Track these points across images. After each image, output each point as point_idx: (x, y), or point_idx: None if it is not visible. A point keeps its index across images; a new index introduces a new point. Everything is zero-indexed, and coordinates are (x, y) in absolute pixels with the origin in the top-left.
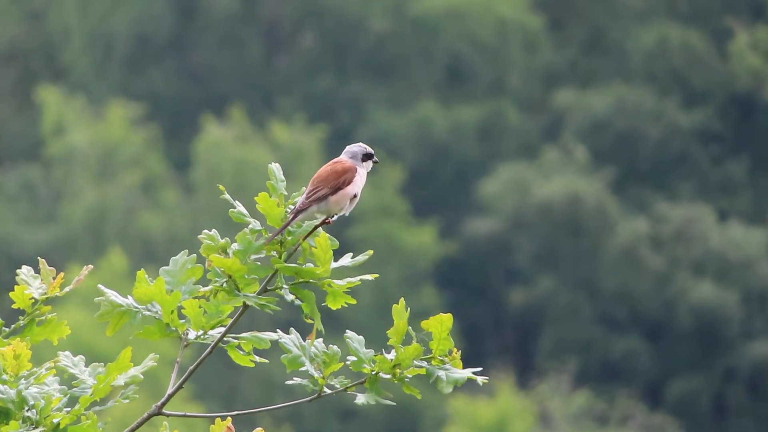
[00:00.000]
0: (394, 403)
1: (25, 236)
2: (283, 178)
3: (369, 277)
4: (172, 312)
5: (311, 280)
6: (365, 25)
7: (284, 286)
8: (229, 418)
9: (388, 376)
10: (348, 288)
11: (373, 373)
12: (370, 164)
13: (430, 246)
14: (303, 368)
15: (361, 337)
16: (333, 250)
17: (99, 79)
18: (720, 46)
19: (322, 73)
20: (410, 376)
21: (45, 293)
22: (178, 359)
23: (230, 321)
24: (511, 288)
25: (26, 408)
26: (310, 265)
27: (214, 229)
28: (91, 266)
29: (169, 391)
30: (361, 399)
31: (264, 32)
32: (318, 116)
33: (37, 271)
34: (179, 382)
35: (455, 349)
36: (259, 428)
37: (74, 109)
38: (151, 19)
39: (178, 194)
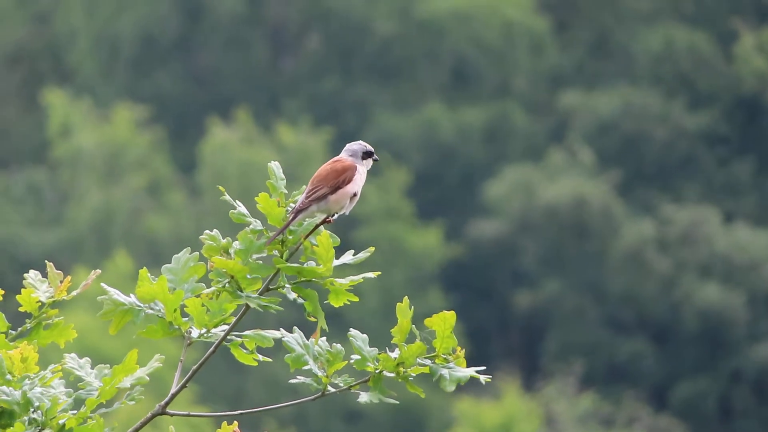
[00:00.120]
0: (397, 402)
1: (31, 238)
2: (282, 176)
3: (371, 274)
4: (175, 310)
5: (313, 279)
6: (371, 28)
7: (286, 285)
8: (236, 422)
9: (392, 375)
10: (350, 286)
11: (377, 371)
12: (370, 162)
13: (435, 248)
14: (306, 367)
15: (364, 335)
16: (334, 248)
17: (105, 82)
18: (726, 49)
19: (328, 75)
20: (414, 374)
21: (52, 297)
22: (181, 358)
23: (233, 319)
24: (516, 290)
25: (31, 409)
26: (312, 263)
27: (215, 230)
28: (98, 271)
29: (173, 390)
30: (364, 397)
31: (270, 34)
32: (324, 118)
33: (45, 274)
34: (183, 381)
35: (459, 348)
36: (265, 430)
37: (80, 111)
38: (157, 22)
39: (183, 196)
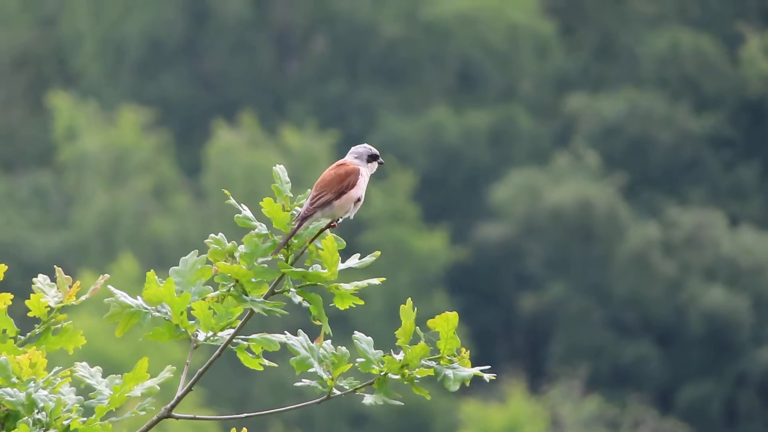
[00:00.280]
0: (402, 404)
1: (37, 242)
2: (288, 179)
3: (376, 281)
4: (182, 313)
5: (318, 283)
6: (377, 31)
7: (291, 288)
8: (244, 429)
9: (397, 377)
10: (355, 290)
11: (382, 373)
12: (375, 165)
13: (441, 251)
14: (312, 370)
15: (369, 338)
16: (339, 251)
17: (111, 85)
18: (731, 52)
19: (334, 78)
20: (419, 376)
21: (61, 302)
22: (187, 361)
23: (239, 323)
24: (522, 293)
25: (36, 411)
26: (317, 267)
27: (221, 233)
28: (107, 275)
29: (179, 393)
30: (369, 399)
31: (275, 38)
32: (329, 122)
33: (53, 278)
34: (189, 384)
35: (464, 349)
36: None
37: (86, 114)
38: (163, 25)
39: (189, 199)
